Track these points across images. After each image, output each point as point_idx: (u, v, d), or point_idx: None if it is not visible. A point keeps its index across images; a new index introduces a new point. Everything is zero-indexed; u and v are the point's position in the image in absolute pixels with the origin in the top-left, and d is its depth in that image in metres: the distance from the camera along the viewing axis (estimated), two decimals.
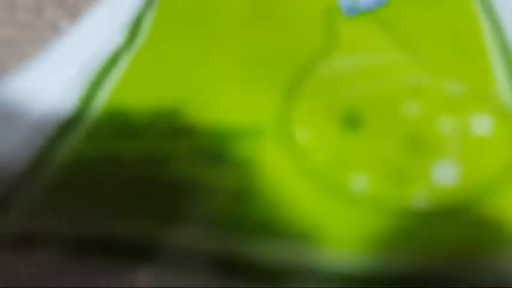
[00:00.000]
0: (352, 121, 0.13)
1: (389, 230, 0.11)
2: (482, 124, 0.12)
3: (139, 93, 0.14)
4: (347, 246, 0.10)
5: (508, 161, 0.12)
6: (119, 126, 0.13)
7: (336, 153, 0.12)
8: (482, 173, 0.11)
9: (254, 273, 0.10)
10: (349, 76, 0.14)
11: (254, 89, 0.14)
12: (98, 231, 0.11)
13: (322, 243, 0.10)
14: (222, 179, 0.12)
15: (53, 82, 0.14)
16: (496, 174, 0.11)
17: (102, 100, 0.14)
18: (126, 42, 0.16)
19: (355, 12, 0.16)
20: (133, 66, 0.15)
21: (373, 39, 0.15)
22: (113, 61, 0.15)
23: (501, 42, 0.15)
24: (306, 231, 0.11)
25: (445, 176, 0.11)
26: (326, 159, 0.12)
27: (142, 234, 0.11)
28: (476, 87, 0.13)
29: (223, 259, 0.10)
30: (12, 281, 0.10)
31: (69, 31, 0.15)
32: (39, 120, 0.13)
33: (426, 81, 0.13)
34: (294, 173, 0.12)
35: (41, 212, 0.11)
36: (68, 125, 0.13)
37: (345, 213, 0.11)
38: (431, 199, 0.11)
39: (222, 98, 0.14)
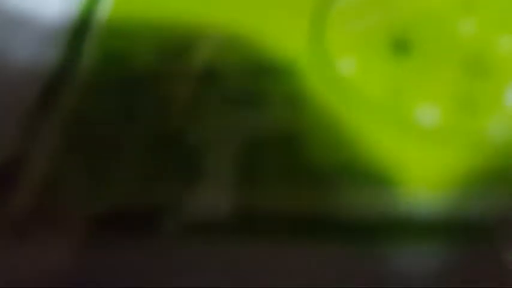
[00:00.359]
0: (400, 46, 0.11)
1: (468, 163, 0.09)
2: None
3: (139, 31, 0.12)
4: (427, 186, 0.09)
5: None
6: (123, 69, 0.11)
7: (391, 84, 0.10)
8: None
9: (331, 230, 0.09)
10: None
11: (275, 17, 0.12)
12: (115, 203, 0.09)
13: (401, 184, 0.09)
14: (262, 125, 0.10)
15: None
16: None
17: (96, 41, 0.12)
18: None
19: None
20: None
21: None
22: None
23: None
24: (378, 173, 0.09)
25: None
26: (382, 91, 0.10)
27: (168, 199, 0.09)
28: None
29: (285, 217, 0.09)
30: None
31: None
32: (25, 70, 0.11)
33: None
34: (347, 111, 0.10)
35: (48, 189, 0.09)
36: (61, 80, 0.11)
37: (417, 149, 0.09)
38: (507, 126, 0.10)
39: (240, 30, 0.11)
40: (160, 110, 0.10)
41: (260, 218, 0.09)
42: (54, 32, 0.11)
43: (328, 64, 0.11)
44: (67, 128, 0.10)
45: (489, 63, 0.10)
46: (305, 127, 0.10)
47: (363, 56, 0.11)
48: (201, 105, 0.11)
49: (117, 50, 0.11)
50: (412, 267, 0.08)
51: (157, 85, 0.11)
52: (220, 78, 0.11)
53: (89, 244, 0.09)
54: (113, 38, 0.11)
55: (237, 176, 0.09)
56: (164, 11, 0.12)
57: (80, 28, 0.11)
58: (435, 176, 0.09)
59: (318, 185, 0.09)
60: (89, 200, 0.09)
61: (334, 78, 0.11)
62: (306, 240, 0.09)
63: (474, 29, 0.11)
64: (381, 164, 0.09)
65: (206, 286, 0.09)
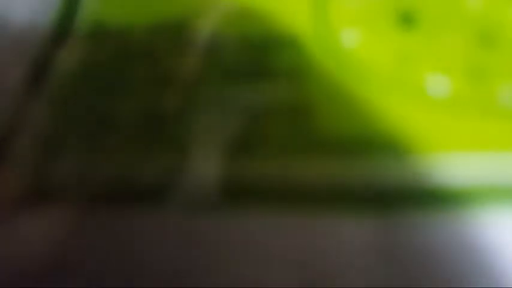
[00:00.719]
0: (406, 18, 0.11)
1: (479, 132, 0.09)
2: None
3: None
4: (438, 155, 0.09)
5: None
6: (120, 39, 0.11)
7: (398, 55, 0.10)
8: None
9: (343, 201, 0.08)
10: None
11: None
12: (112, 178, 0.09)
13: (412, 154, 0.09)
14: (267, 98, 0.10)
15: None
16: None
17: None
18: None
19: None
20: None
21: None
22: None
23: None
24: (388, 143, 0.09)
25: None
26: (389, 62, 0.10)
27: (168, 174, 0.09)
28: None
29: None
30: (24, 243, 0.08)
31: None
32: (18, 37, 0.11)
33: None
34: (354, 82, 0.10)
35: (46, 160, 0.09)
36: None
37: (427, 118, 0.09)
38: None
39: (243, 2, 0.11)
40: (159, 83, 0.10)
41: (269, 190, 0.09)
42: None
43: (332, 36, 0.11)
44: (61, 99, 0.10)
45: (499, 32, 0.10)
46: (311, 99, 0.10)
47: (368, 28, 0.11)
48: (202, 79, 0.10)
49: (114, 20, 0.11)
50: (427, 235, 0.08)
51: (156, 57, 0.10)
52: (223, 51, 0.10)
53: (83, 220, 0.09)
54: (109, 9, 0.11)
55: (243, 150, 0.09)
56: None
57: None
58: (446, 145, 0.09)
59: (327, 156, 0.09)
60: (84, 175, 0.09)
61: (339, 50, 0.10)
62: (318, 211, 0.08)
63: (481, 3, 0.11)
64: (391, 135, 0.09)
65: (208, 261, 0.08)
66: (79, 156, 0.09)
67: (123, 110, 0.10)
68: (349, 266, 0.08)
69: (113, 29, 0.11)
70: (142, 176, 0.09)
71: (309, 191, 0.08)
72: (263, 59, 0.10)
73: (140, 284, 0.08)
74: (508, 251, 0.08)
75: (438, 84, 0.10)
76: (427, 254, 0.08)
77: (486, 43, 0.10)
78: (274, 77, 0.10)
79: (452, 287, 0.08)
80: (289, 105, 0.09)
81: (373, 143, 0.09)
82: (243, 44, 0.10)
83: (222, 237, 0.08)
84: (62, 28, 0.11)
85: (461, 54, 0.10)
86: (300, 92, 0.10)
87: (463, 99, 0.09)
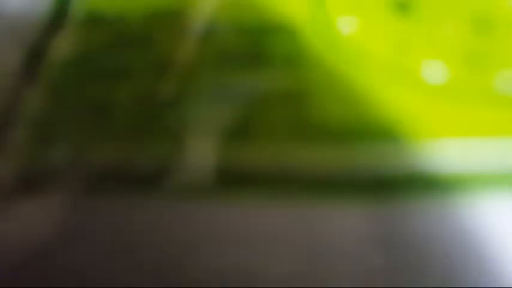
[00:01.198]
0: (402, 6, 0.11)
1: (476, 119, 0.09)
2: None
3: None
4: (435, 141, 0.09)
5: None
6: (117, 27, 0.11)
7: (395, 42, 0.10)
8: None
9: (341, 187, 0.08)
10: None
11: None
12: (111, 159, 0.09)
13: (408, 140, 0.09)
14: (263, 84, 0.10)
15: None
16: None
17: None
18: None
19: None
20: None
21: None
22: None
23: None
24: (385, 130, 0.09)
25: None
26: (385, 49, 0.10)
27: (165, 159, 0.09)
28: None
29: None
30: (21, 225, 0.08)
31: None
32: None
33: None
34: (351, 69, 0.10)
35: (44, 143, 0.09)
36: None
37: (424, 105, 0.09)
38: None
39: None
40: (156, 70, 0.10)
41: (265, 176, 0.09)
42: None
43: (329, 23, 0.11)
44: (57, 87, 0.10)
45: (495, 18, 0.10)
46: (307, 86, 0.10)
47: (365, 15, 0.10)
48: (199, 66, 0.10)
49: (109, 7, 0.11)
50: (423, 222, 0.08)
51: (152, 45, 0.10)
52: (219, 38, 0.10)
53: (79, 208, 0.09)
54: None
55: (239, 136, 0.09)
56: None
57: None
58: (443, 132, 0.09)
59: (323, 143, 0.09)
60: (79, 162, 0.09)
61: (336, 37, 0.10)
62: (314, 198, 0.08)
63: None
64: (388, 121, 0.09)
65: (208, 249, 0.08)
66: (75, 143, 0.09)
67: (119, 97, 0.10)
68: (345, 252, 0.08)
69: (108, 16, 0.11)
70: (139, 162, 0.09)
71: (304, 177, 0.08)
72: (260, 46, 0.10)
73: (137, 269, 0.08)
74: (504, 237, 0.08)
75: (435, 70, 0.10)
76: (424, 240, 0.08)
77: (482, 29, 0.10)
78: (270, 64, 0.10)
79: (448, 274, 0.08)
80: (285, 92, 0.09)
81: (370, 130, 0.09)
82: (239, 31, 0.10)
83: (218, 223, 0.08)
84: (58, 15, 0.11)
85: (457, 40, 0.10)
86: (296, 78, 0.10)
87: (459, 86, 0.09)
